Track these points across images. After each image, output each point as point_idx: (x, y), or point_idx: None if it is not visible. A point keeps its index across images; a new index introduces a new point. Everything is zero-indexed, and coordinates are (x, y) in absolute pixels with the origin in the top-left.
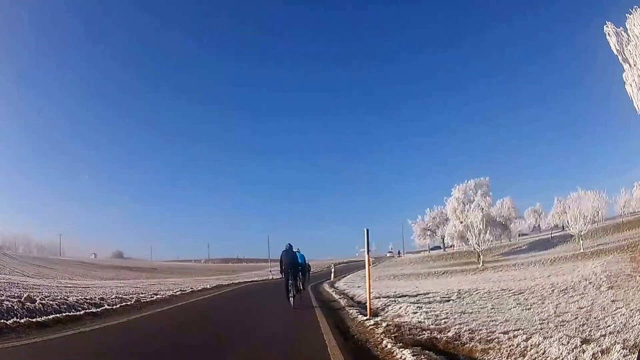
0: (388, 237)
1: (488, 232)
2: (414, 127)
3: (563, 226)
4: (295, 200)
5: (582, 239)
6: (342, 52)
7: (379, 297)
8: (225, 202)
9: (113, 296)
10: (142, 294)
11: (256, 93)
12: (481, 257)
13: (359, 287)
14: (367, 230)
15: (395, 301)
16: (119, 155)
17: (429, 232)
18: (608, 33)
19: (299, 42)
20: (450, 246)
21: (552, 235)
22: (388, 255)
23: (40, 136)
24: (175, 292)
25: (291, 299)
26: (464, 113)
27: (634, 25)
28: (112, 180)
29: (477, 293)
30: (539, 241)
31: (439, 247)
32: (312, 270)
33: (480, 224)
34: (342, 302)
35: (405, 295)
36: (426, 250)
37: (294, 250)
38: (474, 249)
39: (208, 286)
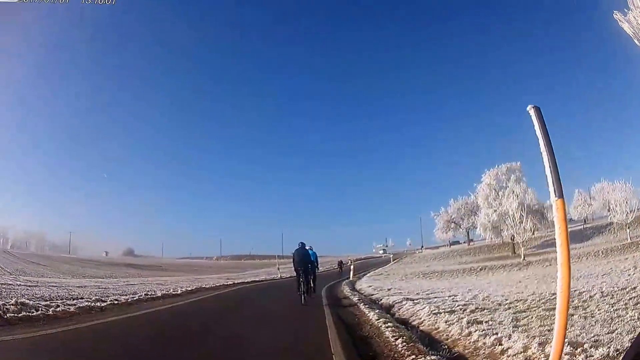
0: (405, 233)
1: (529, 220)
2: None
3: (585, 219)
4: (310, 197)
5: (628, 229)
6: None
7: (438, 311)
8: (239, 199)
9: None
10: (82, 298)
11: (271, 88)
12: (522, 249)
13: (389, 289)
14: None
15: (483, 323)
16: (132, 153)
17: (452, 225)
18: (619, 20)
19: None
20: (470, 240)
21: (585, 227)
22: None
23: (53, 133)
24: (122, 300)
25: (302, 297)
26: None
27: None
28: (126, 178)
29: (590, 298)
30: (570, 233)
31: (457, 242)
32: (320, 269)
33: (519, 210)
34: (386, 330)
35: (482, 308)
36: (445, 245)
37: (307, 248)
38: (510, 241)
39: (179, 291)
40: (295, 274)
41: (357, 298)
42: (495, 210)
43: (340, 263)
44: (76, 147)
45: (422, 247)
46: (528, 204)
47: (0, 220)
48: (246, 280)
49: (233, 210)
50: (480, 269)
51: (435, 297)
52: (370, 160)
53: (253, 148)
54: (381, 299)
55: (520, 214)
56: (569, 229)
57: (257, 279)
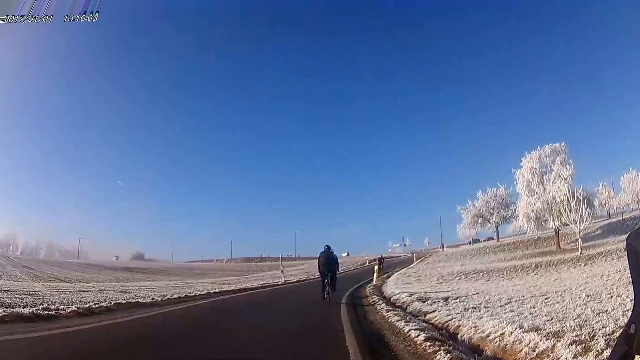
0: (421, 231)
1: (586, 207)
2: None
3: (609, 213)
4: (322, 197)
5: None
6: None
7: None
8: (251, 200)
9: None
10: None
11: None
12: (579, 242)
13: (445, 300)
14: None
15: None
16: (142, 159)
17: (480, 220)
18: None
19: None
20: (490, 238)
21: (623, 218)
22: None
23: (64, 140)
24: None
25: (326, 296)
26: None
27: None
28: (138, 184)
29: None
30: (610, 225)
31: (478, 240)
32: (339, 270)
33: (567, 196)
34: None
35: None
36: (465, 244)
37: (331, 251)
38: (555, 233)
39: (67, 310)
40: (319, 275)
41: (412, 326)
42: (539, 198)
43: (381, 260)
44: (87, 155)
45: (443, 245)
46: (575, 190)
47: (11, 227)
48: (236, 288)
49: (245, 212)
50: (535, 266)
51: (603, 328)
52: (385, 158)
53: (265, 149)
54: (456, 328)
55: (578, 198)
56: (607, 221)
57: (253, 285)
